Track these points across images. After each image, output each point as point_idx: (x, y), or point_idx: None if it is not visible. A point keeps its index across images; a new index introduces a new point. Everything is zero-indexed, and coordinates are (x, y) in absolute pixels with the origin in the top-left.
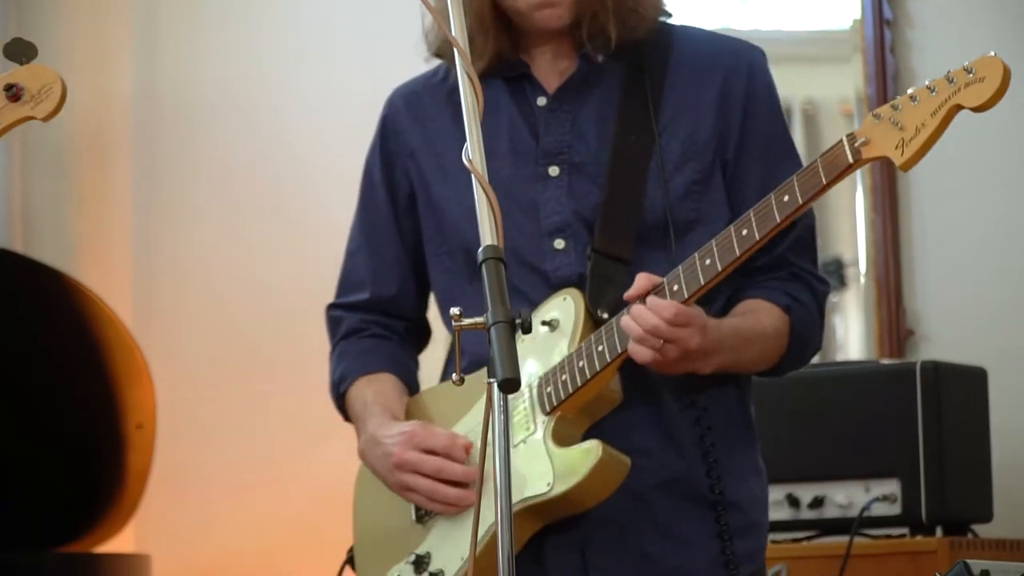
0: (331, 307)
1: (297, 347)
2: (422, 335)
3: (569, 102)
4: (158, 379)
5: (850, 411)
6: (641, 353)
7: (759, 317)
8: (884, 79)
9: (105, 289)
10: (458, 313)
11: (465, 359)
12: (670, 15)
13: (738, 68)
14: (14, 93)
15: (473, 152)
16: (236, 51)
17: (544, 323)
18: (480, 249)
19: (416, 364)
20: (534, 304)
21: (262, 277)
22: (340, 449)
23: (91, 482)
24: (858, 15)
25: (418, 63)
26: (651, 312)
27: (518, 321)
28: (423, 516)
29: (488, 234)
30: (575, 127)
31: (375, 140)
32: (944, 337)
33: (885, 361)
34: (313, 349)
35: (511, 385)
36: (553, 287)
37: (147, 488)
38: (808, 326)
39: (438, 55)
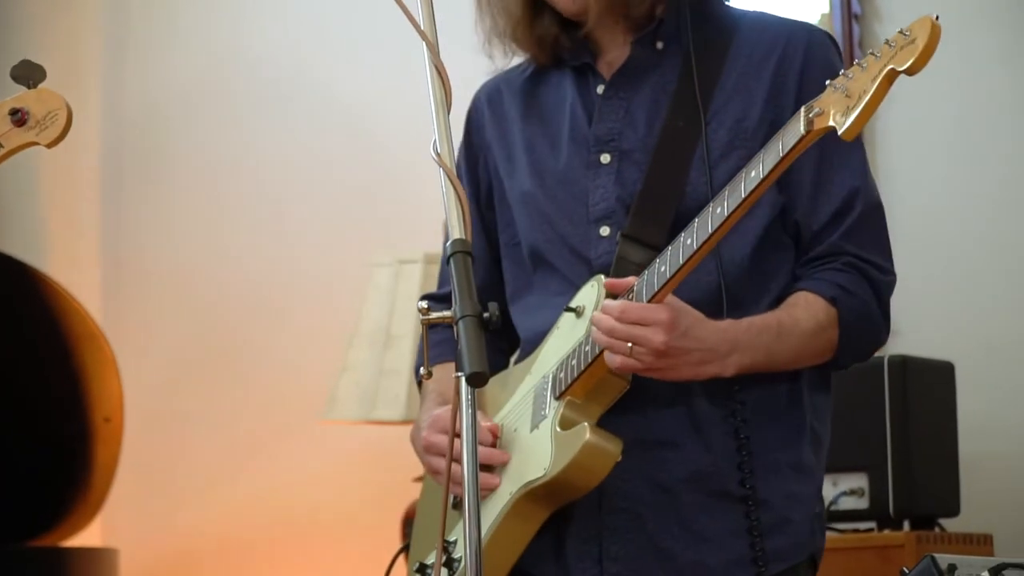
0: (423, 298)
1: (265, 341)
2: (509, 326)
3: (625, 89)
4: (126, 372)
5: None
6: (611, 360)
7: (793, 311)
8: None
9: (73, 283)
10: (425, 307)
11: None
12: None
13: (794, 52)
14: (19, 118)
15: (441, 145)
16: (202, 51)
17: (570, 309)
18: (448, 243)
19: (500, 353)
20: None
21: (229, 272)
22: (306, 443)
23: (58, 476)
24: (826, 9)
25: (393, 62)
26: (605, 316)
27: (486, 315)
28: (459, 503)
29: (456, 228)
30: (628, 114)
31: (463, 136)
32: (912, 331)
33: None
34: (281, 343)
35: (479, 379)
36: (595, 274)
37: (114, 482)
38: (862, 318)
39: (513, 52)
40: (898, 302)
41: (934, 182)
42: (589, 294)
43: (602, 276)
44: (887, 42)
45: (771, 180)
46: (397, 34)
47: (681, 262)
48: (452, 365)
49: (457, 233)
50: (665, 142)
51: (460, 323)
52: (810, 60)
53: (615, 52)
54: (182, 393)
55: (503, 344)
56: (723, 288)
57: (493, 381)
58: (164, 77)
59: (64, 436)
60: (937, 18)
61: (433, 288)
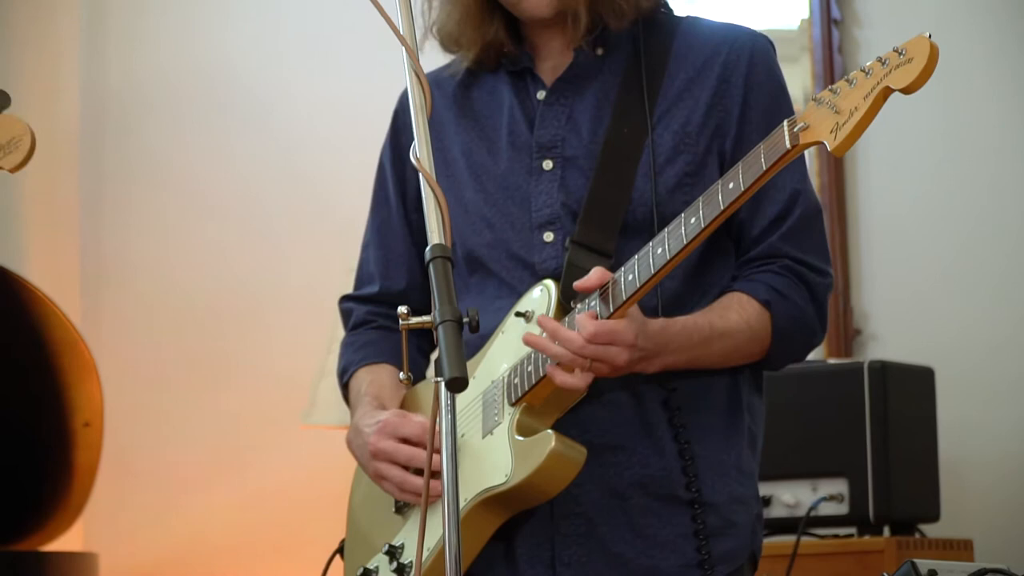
0: (343, 299)
1: (244, 345)
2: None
3: (567, 95)
4: (105, 377)
5: (798, 410)
6: (563, 379)
7: (725, 313)
8: (832, 78)
9: (53, 287)
10: (405, 312)
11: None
12: (669, 8)
13: (738, 57)
14: None
15: (421, 151)
16: (181, 49)
17: (519, 315)
18: (427, 248)
19: (424, 356)
20: (521, 296)
21: (210, 277)
22: (286, 448)
23: (38, 480)
24: (806, 15)
25: (371, 68)
26: (574, 336)
27: (465, 320)
28: (402, 507)
29: (435, 233)
30: (571, 120)
31: (387, 135)
32: (891, 336)
33: (832, 360)
34: (260, 347)
35: (459, 384)
36: (539, 279)
37: (94, 486)
38: (795, 320)
39: (448, 50)
40: (878, 308)
41: (914, 187)
42: (539, 300)
43: (550, 281)
44: (879, 59)
45: (750, 193)
46: (382, 42)
47: (653, 271)
48: (379, 367)
49: (436, 238)
50: (610, 148)
51: (440, 328)
52: (754, 65)
53: (555, 58)
54: (162, 398)
55: (425, 345)
56: (659, 293)
57: (424, 385)
58: (144, 79)
59: (44, 441)
60: (930, 36)
61: None
